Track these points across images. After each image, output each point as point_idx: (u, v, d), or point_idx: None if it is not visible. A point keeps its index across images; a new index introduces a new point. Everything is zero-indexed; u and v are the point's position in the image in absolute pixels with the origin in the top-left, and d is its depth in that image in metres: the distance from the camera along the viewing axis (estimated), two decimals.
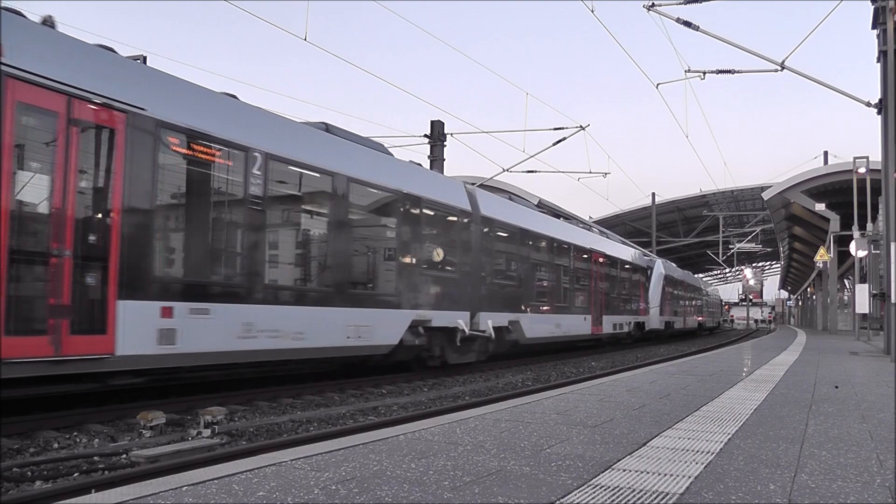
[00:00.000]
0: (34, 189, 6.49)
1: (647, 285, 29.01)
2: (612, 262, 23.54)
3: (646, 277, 28.60)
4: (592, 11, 16.55)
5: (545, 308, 17.61)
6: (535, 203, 25.98)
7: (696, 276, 51.49)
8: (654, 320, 29.06)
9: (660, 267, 31.25)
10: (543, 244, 17.63)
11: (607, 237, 25.29)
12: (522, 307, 16.06)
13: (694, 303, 43.52)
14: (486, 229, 14.48)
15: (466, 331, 13.18)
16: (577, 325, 19.62)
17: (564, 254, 19.05)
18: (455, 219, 13.42)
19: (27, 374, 6.22)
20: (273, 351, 8.94)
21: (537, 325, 16.77)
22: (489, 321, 14.14)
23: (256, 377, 11.11)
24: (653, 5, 15.87)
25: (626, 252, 25.99)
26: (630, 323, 25.16)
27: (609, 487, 3.26)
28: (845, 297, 45.11)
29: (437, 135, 21.81)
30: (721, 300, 72.96)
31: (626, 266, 25.36)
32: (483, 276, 14.29)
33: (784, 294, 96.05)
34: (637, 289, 26.94)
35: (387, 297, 11.30)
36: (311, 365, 11.57)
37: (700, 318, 45.76)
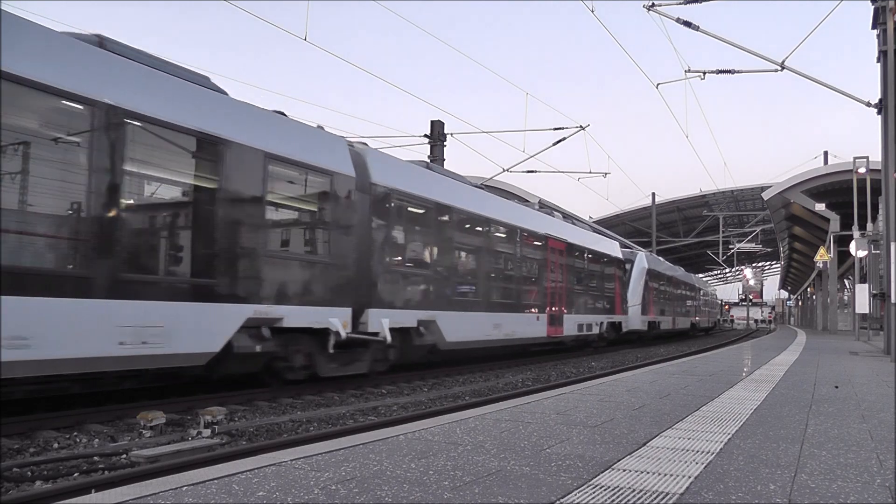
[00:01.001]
0: None
1: (627, 280, 26.10)
2: (579, 252, 20.26)
3: (624, 272, 25.40)
4: (592, 11, 16.56)
5: (477, 304, 14.28)
6: (536, 203, 25.90)
7: (692, 274, 48.41)
8: (634, 320, 26.16)
9: (642, 260, 28.35)
10: (476, 226, 14.39)
11: (575, 224, 21.63)
12: (441, 303, 12.89)
13: (686, 301, 40.28)
14: (380, 201, 11.32)
15: (343, 333, 10.06)
16: (525, 325, 16.34)
17: (509, 239, 15.85)
18: (328, 185, 10.23)
19: None
20: None
21: (465, 325, 13.55)
22: (384, 320, 11.07)
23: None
24: (653, 5, 15.87)
25: (597, 242, 22.50)
26: (601, 323, 21.82)
27: (609, 487, 3.26)
28: (845, 297, 45.11)
29: (437, 135, 21.82)
30: (719, 299, 69.73)
31: (598, 258, 22.11)
32: (375, 263, 11.11)
33: (784, 294, 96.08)
34: (612, 284, 23.44)
35: (196, 284, 8.09)
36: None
37: (693, 318, 42.86)
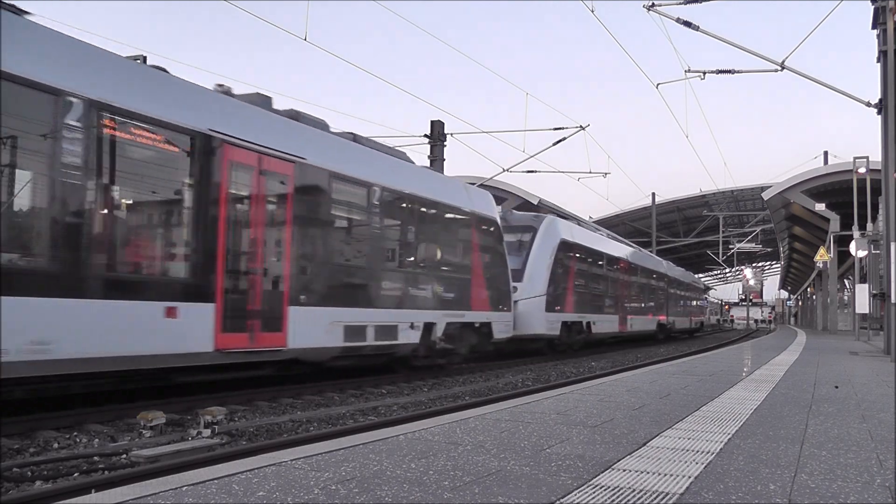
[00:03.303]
0: None
1: (524, 257, 17.67)
2: (346, 190, 10.57)
3: (497, 240, 15.16)
4: (592, 11, 16.57)
5: None
6: (536, 203, 25.84)
7: (663, 260, 36.57)
8: (530, 319, 17.03)
9: (553, 229, 18.62)
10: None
11: (365, 146, 11.76)
12: None
13: (649, 293, 29.66)
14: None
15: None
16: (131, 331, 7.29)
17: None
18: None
19: None
20: None
21: None
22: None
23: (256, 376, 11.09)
24: (653, 5, 15.87)
25: (432, 186, 12.92)
26: (436, 325, 12.55)
27: (609, 487, 3.26)
28: (845, 297, 45.12)
29: (437, 135, 21.82)
30: (708, 293, 56.92)
31: (418, 208, 12.36)
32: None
33: (784, 294, 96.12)
34: (464, 258, 13.81)
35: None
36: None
37: (663, 317, 31.80)
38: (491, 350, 15.09)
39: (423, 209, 12.52)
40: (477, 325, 14.04)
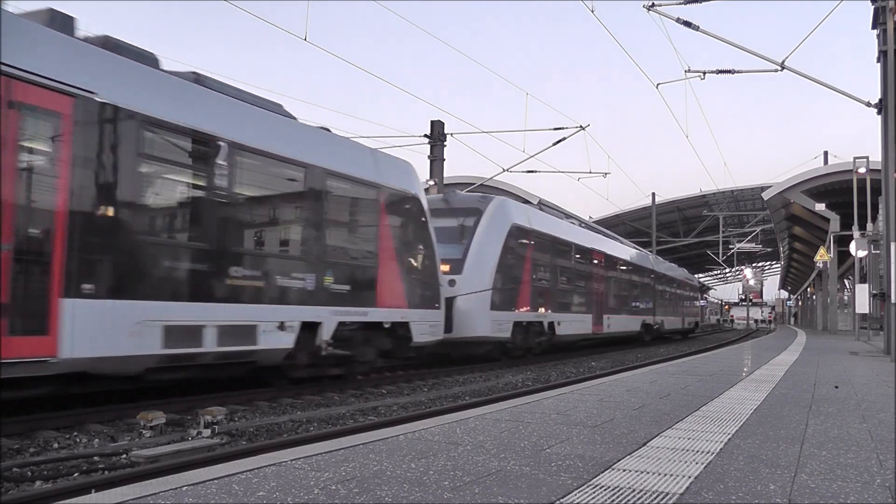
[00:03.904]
0: None
1: (466, 247, 14.70)
2: (207, 153, 8.42)
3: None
4: (592, 11, 16.57)
5: None
6: (536, 203, 25.68)
7: (650, 253, 33.50)
8: (472, 318, 14.22)
9: (503, 213, 15.61)
10: None
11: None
12: None
13: (635, 291, 26.80)
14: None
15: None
16: None
17: None
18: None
19: None
20: None
21: None
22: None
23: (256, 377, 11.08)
24: (653, 5, 15.87)
25: (317, 148, 10.16)
26: (322, 325, 9.81)
27: (609, 487, 3.26)
28: (845, 297, 45.12)
29: (437, 135, 21.82)
30: (703, 290, 52.65)
31: (331, 184, 10.19)
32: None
33: (784, 294, 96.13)
34: (365, 242, 11.00)
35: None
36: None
37: (648, 317, 28.20)
38: (413, 356, 12.68)
39: (302, 176, 9.63)
40: (388, 325, 11.16)
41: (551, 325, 17.68)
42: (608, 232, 27.41)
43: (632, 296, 26.25)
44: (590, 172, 27.03)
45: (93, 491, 4.21)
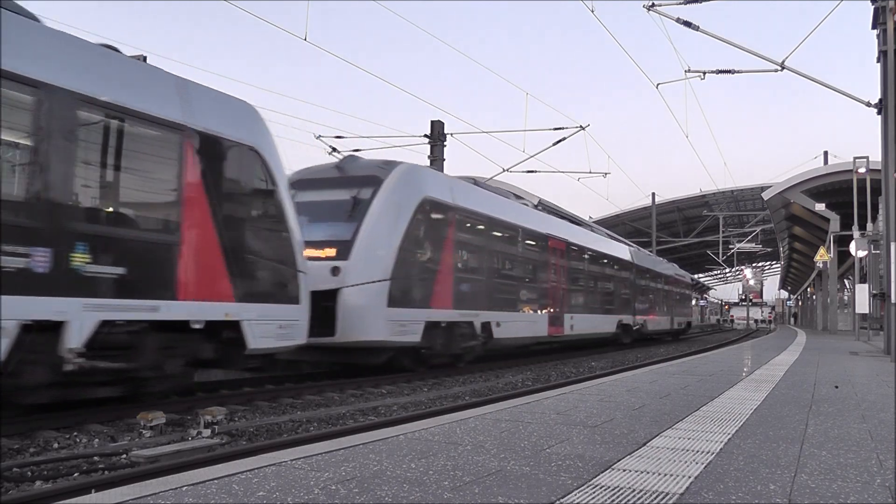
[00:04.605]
0: None
1: (357, 226, 11.56)
2: None
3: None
4: (592, 11, 16.57)
5: None
6: (535, 203, 25.54)
7: (629, 243, 29.60)
8: (361, 317, 11.12)
9: (411, 184, 12.44)
10: None
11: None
12: None
13: (610, 287, 23.64)
14: None
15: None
16: None
17: None
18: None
19: None
20: None
21: None
22: None
23: (256, 377, 11.08)
24: (653, 5, 15.87)
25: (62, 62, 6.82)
26: (68, 326, 6.58)
27: (609, 487, 3.26)
28: (845, 297, 45.12)
29: (437, 135, 21.83)
30: (694, 287, 47.52)
31: (81, 114, 6.97)
32: None
33: (784, 294, 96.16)
34: (179, 208, 7.95)
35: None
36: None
37: (626, 316, 25.01)
38: (256, 366, 9.62)
39: (33, 100, 6.59)
40: (199, 325, 8.09)
41: (486, 326, 14.41)
42: (584, 220, 25.47)
43: (604, 292, 23.08)
44: (590, 172, 26.99)
45: (93, 491, 4.21)
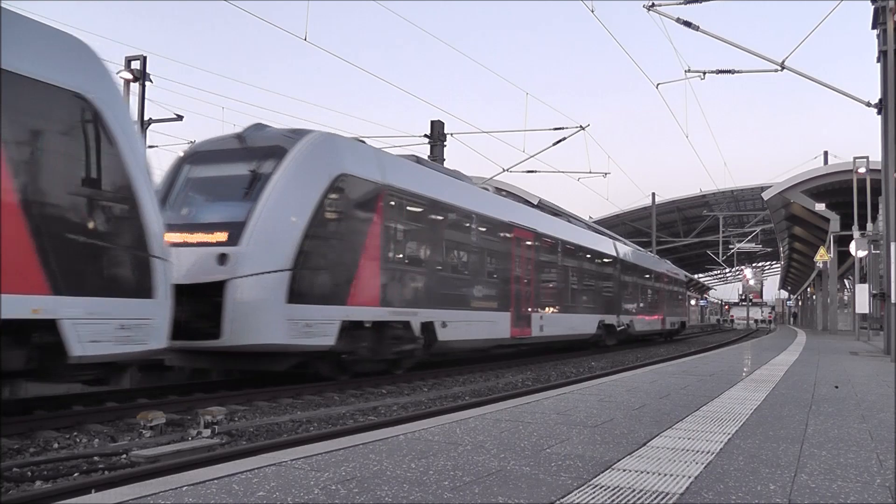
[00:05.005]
0: None
1: (253, 204, 9.51)
2: None
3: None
4: (592, 11, 16.56)
5: None
6: (535, 203, 25.46)
7: (613, 236, 27.20)
8: (254, 315, 9.08)
9: (323, 155, 10.33)
10: None
11: None
12: None
13: (589, 283, 21.39)
14: None
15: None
16: None
17: None
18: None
19: None
20: None
21: None
22: None
23: (256, 377, 11.08)
24: (653, 5, 15.86)
25: None
26: None
27: (609, 487, 3.26)
28: (845, 297, 45.12)
29: (437, 135, 21.84)
30: (697, 287, 45.20)
31: None
32: None
33: (784, 294, 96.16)
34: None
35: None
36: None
37: (614, 316, 23.34)
38: (92, 377, 7.39)
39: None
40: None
41: (429, 326, 12.36)
42: (561, 209, 23.15)
43: (583, 289, 20.67)
44: (590, 172, 27.00)
45: (93, 491, 4.22)
